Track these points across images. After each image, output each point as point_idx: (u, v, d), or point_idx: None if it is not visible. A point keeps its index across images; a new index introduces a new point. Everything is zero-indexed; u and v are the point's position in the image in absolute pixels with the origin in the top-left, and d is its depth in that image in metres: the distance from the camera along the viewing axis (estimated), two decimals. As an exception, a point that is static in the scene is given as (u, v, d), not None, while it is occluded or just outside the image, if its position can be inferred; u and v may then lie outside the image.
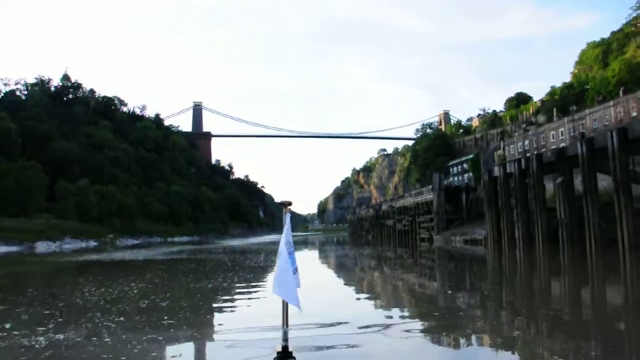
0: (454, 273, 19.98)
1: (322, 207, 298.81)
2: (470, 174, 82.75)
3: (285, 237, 3.70)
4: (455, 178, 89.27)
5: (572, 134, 62.29)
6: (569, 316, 9.00)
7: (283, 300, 3.62)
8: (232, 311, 10.24)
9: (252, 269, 20.83)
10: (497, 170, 36.06)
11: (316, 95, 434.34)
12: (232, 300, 11.71)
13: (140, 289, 13.14)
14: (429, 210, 50.73)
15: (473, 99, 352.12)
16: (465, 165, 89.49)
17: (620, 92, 58.39)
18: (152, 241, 76.38)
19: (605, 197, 26.97)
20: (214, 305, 11.04)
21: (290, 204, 3.94)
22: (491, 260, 25.44)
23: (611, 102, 58.30)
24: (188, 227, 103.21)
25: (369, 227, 79.31)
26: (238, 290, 13.10)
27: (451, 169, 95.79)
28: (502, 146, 62.69)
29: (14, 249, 47.68)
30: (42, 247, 51.44)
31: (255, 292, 12.74)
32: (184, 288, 13.70)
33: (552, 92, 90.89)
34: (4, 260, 33.71)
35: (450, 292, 13.12)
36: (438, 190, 49.32)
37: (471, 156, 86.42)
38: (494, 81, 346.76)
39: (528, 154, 42.83)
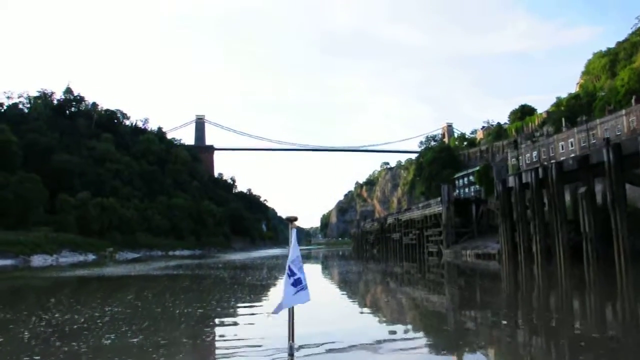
0: (466, 289, 18.77)
1: (325, 220, 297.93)
2: (477, 186, 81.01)
3: (292, 254, 3.78)
4: (462, 190, 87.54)
5: (583, 144, 60.46)
6: (597, 338, 8.09)
7: (288, 315, 3.71)
8: (223, 354, 7.46)
9: (253, 287, 18.73)
10: (512, 181, 34.14)
11: (318, 109, 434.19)
12: (223, 336, 8.94)
13: (113, 316, 10.98)
14: (438, 223, 48.82)
15: (475, 112, 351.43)
16: (471, 178, 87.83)
17: (633, 101, 56.50)
18: (153, 255, 75.02)
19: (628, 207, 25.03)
20: (198, 340, 8.53)
21: (295, 219, 4.04)
22: (506, 275, 24.07)
23: (623, 111, 56.47)
24: (190, 240, 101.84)
25: (373, 241, 77.72)
26: (232, 318, 10.92)
27: (457, 182, 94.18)
28: (515, 156, 60.66)
29: (8, 262, 45.78)
30: (38, 260, 49.54)
31: (253, 319, 10.56)
32: (168, 314, 11.30)
33: (558, 103, 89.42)
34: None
35: (462, 309, 12.36)
36: (447, 203, 47.43)
37: (477, 168, 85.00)
38: (496, 94, 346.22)
39: (537, 165, 40.96)
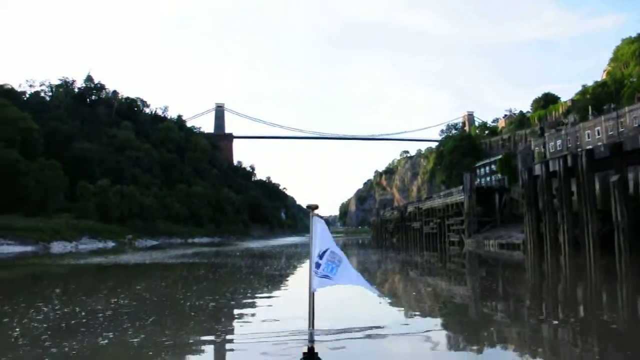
0: (489, 279, 18.19)
1: (344, 209, 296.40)
2: (499, 175, 79.34)
3: (317, 247, 3.81)
4: (483, 179, 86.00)
5: (610, 132, 58.47)
6: (628, 332, 7.71)
7: (309, 301, 3.82)
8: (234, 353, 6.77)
9: (270, 278, 17.90)
10: (538, 169, 32.85)
11: (336, 98, 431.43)
12: (232, 332, 8.09)
13: (117, 309, 10.08)
14: (459, 212, 48.26)
15: (497, 101, 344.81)
16: (493, 167, 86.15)
17: (665, 87, 54.25)
18: (172, 242, 74.95)
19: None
20: (208, 337, 7.43)
21: (316, 207, 4.08)
22: (531, 266, 23.30)
23: (654, 98, 54.22)
24: (209, 228, 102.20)
25: (393, 230, 77.36)
26: (247, 312, 9.98)
27: (478, 170, 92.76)
28: (540, 144, 59.04)
29: (29, 248, 46.00)
30: (57, 247, 49.71)
31: (269, 313, 9.58)
32: (177, 308, 10.40)
33: (584, 91, 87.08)
34: (4, 262, 31.59)
35: (484, 300, 12.01)
36: (469, 191, 46.53)
37: (500, 157, 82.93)
38: (519, 83, 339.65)
39: (562, 154, 39.58)
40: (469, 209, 45.89)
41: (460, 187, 49.16)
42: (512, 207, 45.38)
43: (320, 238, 3.92)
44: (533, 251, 30.67)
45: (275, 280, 17.11)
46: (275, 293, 13.46)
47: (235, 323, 9.15)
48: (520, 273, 20.83)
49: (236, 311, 10.22)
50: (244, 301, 11.52)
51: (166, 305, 10.74)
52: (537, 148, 62.50)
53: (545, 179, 31.69)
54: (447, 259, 31.33)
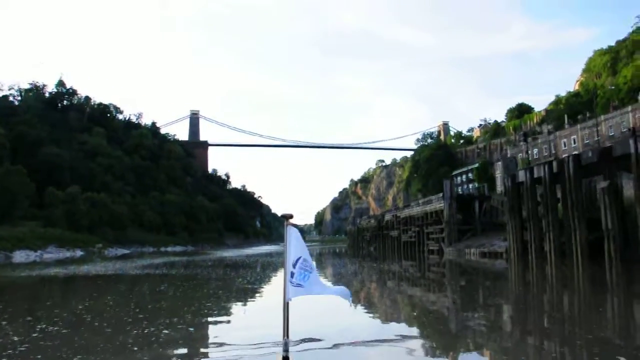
0: (469, 289, 17.66)
1: (320, 218, 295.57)
2: (476, 183, 79.23)
3: (291, 256, 3.93)
4: (459, 188, 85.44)
5: (586, 141, 58.26)
6: (618, 345, 7.28)
7: (284, 310, 3.85)
8: None
9: (242, 292, 15.90)
10: (522, 175, 31.87)
11: (314, 106, 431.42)
12: None
13: (38, 341, 7.73)
14: (439, 220, 47.64)
15: (471, 111, 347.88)
16: (470, 175, 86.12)
17: None
18: (144, 251, 72.88)
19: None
20: None
21: (291, 216, 4.08)
22: (515, 275, 22.80)
23: (629, 108, 54.20)
24: (182, 236, 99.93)
25: (370, 238, 77.10)
26: (207, 337, 8.12)
27: (455, 179, 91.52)
28: (517, 152, 58.41)
29: (-12, 258, 42.89)
30: (20, 256, 46.76)
31: (236, 337, 7.70)
32: (115, 341, 7.77)
33: (557, 101, 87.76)
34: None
35: (464, 310, 11.64)
36: (449, 199, 45.81)
37: (477, 165, 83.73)
38: (493, 94, 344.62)
39: (538, 163, 38.81)
40: (449, 217, 45.05)
41: (440, 195, 48.43)
42: (492, 215, 44.70)
43: (295, 246, 3.98)
44: (517, 260, 30.04)
45: (248, 295, 15.16)
46: (244, 313, 11.51)
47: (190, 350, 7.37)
48: (503, 282, 20.27)
49: (194, 339, 8.21)
50: (201, 334, 9.01)
51: (103, 335, 8.35)
52: (520, 155, 61.90)
53: (529, 186, 30.63)
54: (426, 268, 30.89)
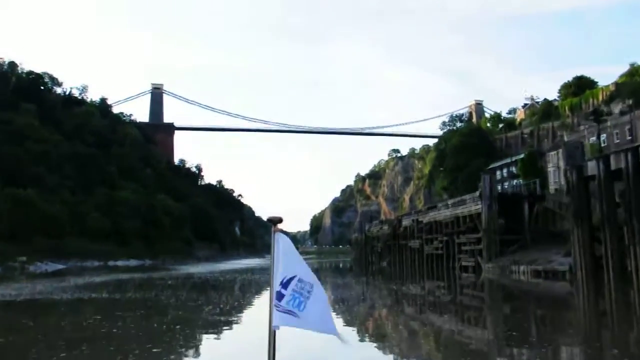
0: (519, 320, 17.63)
1: (317, 223, 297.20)
2: (520, 179, 77.77)
3: (278, 272, 3.94)
4: (499, 185, 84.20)
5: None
6: None
7: (269, 339, 3.89)
8: None
9: (210, 327, 14.45)
10: (592, 167, 30.62)
11: (310, 82, 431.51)
12: None
13: None
14: (475, 226, 47.98)
15: (513, 87, 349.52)
16: (513, 169, 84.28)
17: None
18: (86, 266, 71.32)
19: None
20: None
21: (280, 220, 4.14)
22: (583, 303, 22.92)
23: None
24: (138, 247, 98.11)
25: (382, 250, 78.30)
26: None
27: (493, 174, 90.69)
28: (593, 133, 56.94)
29: None
30: None
31: None
32: None
33: (633, 72, 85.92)
34: None
35: (511, 349, 11.53)
36: (489, 199, 45.67)
37: (522, 156, 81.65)
38: (540, 65, 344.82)
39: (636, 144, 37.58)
40: (488, 223, 44.98)
41: (476, 194, 48.21)
42: (546, 221, 44.63)
43: (284, 261, 3.99)
44: (586, 282, 29.67)
45: (219, 331, 13.93)
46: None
47: None
48: (567, 312, 20.24)
49: None
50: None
51: None
52: (590, 139, 60.38)
53: (604, 181, 29.34)
54: (458, 290, 31.62)
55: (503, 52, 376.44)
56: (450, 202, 56.74)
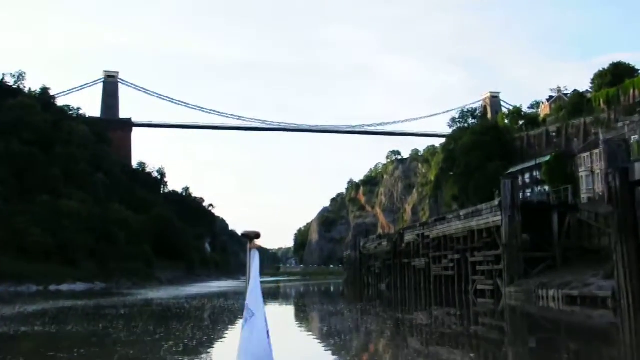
0: (548, 355, 18.29)
1: (302, 238, 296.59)
2: (545, 186, 77.88)
3: (251, 293, 4.27)
4: (521, 193, 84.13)
5: None
6: None
7: None
8: None
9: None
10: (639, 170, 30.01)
11: (296, 72, 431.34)
12: None
13: None
14: (494, 242, 47.87)
15: (534, 78, 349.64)
16: (537, 173, 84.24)
17: None
18: (22, 291, 70.68)
19: None
20: None
21: (257, 236, 4.44)
22: (631, 336, 23.28)
23: None
24: (86, 268, 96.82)
25: (381, 271, 78.62)
26: None
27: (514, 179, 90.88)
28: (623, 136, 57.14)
29: None
30: None
31: None
32: None
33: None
34: None
35: None
36: (511, 209, 45.61)
37: (547, 158, 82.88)
38: (564, 51, 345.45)
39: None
40: (510, 238, 44.81)
41: (495, 203, 48.29)
42: (580, 236, 44.86)
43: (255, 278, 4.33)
44: (632, 310, 29.63)
45: None
46: None
47: None
48: (609, 348, 20.24)
49: None
50: None
51: None
52: (632, 137, 60.49)
53: None
54: (473, 319, 32.21)
55: (523, 35, 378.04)
56: (462, 212, 56.73)
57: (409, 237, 68.99)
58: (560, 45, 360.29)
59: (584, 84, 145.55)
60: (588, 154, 73.50)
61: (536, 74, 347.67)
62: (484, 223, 49.29)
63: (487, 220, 48.84)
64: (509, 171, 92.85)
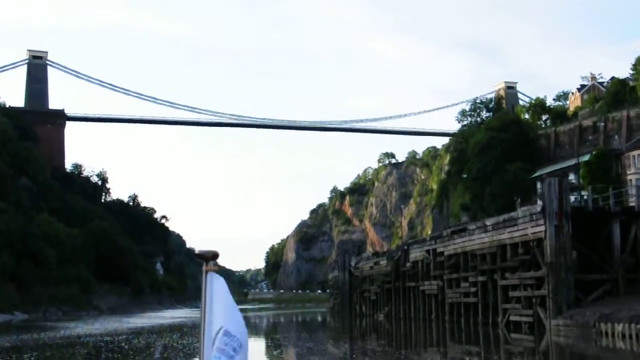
0: None
1: (275, 258, 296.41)
2: (584, 191, 75.45)
3: (213, 324, 4.27)
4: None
5: None
6: None
7: None
8: None
9: None
10: None
11: (268, 55, 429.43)
12: None
13: None
14: (534, 260, 46.47)
15: (560, 65, 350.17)
16: (572, 177, 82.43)
17: None
18: None
19: None
20: None
21: (214, 257, 4.42)
22: None
23: None
24: (6, 293, 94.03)
25: (378, 296, 79.82)
26: None
27: (539, 185, 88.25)
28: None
29: None
30: None
31: None
32: None
33: None
34: None
35: None
36: (556, 217, 43.84)
37: (587, 157, 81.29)
38: (597, 35, 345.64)
39: None
40: (557, 255, 43.36)
41: (537, 208, 46.97)
42: None
43: (218, 310, 4.27)
44: None
45: None
46: None
47: None
48: None
49: None
50: None
51: None
52: None
53: None
54: None
55: (544, 15, 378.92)
56: (489, 222, 55.17)
57: (415, 254, 68.43)
58: (590, 27, 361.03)
59: (622, 71, 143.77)
60: (639, 152, 73.38)
61: (560, 61, 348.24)
62: (520, 235, 47.61)
63: (524, 231, 47.09)
64: (535, 174, 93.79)
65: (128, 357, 35.65)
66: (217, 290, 4.23)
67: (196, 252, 4.47)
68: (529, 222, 46.62)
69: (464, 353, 36.90)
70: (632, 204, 58.80)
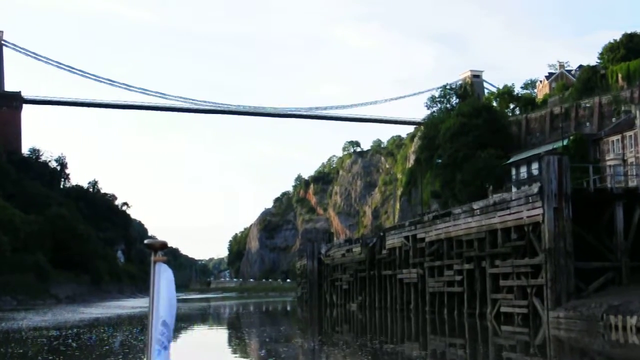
0: None
1: (238, 246, 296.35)
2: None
3: (159, 311, 4.29)
4: (523, 187, 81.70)
5: None
6: None
7: None
8: None
9: None
10: None
11: (229, 40, 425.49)
12: None
13: None
14: (530, 247, 44.12)
15: (525, 56, 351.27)
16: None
17: None
18: None
19: None
20: None
21: (163, 246, 4.34)
22: None
23: None
24: None
25: (350, 285, 78.75)
26: None
27: (513, 171, 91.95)
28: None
29: None
30: None
31: None
32: None
33: None
34: None
35: None
36: (555, 198, 41.21)
37: (565, 142, 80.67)
38: (558, 28, 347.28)
39: None
40: (557, 240, 40.87)
41: (534, 188, 44.70)
42: None
43: (162, 302, 4.27)
44: None
45: None
46: None
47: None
48: None
49: None
50: None
51: None
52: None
53: None
54: (495, 356, 30.56)
55: (509, 7, 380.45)
56: (477, 205, 52.56)
57: (393, 240, 66.56)
58: (554, 19, 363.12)
59: (587, 62, 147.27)
60: (619, 137, 73.73)
61: (526, 52, 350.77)
62: (514, 219, 45.32)
63: (518, 215, 44.80)
64: (510, 161, 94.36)
65: (87, 351, 32.72)
66: (164, 280, 4.14)
67: (145, 242, 4.35)
68: (524, 204, 44.40)
69: (446, 345, 34.84)
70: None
